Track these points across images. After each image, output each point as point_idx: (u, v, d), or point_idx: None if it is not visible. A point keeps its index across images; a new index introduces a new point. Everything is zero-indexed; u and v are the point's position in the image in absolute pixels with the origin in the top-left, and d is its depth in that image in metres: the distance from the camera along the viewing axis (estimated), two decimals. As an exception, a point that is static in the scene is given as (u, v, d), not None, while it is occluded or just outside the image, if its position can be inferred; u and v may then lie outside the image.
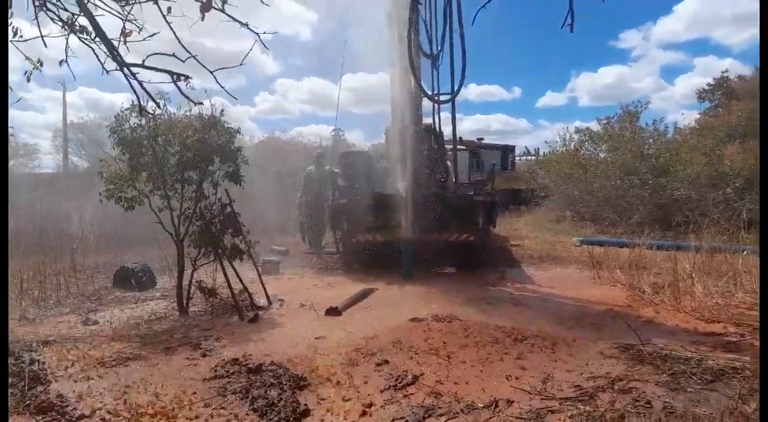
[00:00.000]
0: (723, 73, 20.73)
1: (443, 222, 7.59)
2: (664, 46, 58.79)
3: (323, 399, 3.37)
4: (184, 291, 5.94)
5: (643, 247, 8.29)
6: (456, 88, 7.92)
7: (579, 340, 4.58)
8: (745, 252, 6.55)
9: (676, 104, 55.18)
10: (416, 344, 4.50)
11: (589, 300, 6.30)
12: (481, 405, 3.17)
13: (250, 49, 2.81)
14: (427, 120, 8.62)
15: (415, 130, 7.63)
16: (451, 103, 8.19)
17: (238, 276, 6.18)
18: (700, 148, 13.46)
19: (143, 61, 2.60)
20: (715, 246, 7.32)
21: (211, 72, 2.78)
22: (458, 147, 9.25)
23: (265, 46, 2.70)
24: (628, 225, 13.31)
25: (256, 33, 2.64)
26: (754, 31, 49.02)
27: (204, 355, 4.40)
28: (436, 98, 8.28)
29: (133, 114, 5.90)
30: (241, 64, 3.00)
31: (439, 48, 8.30)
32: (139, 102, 3.16)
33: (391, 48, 7.93)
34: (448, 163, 8.77)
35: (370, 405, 3.26)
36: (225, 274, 5.98)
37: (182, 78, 2.64)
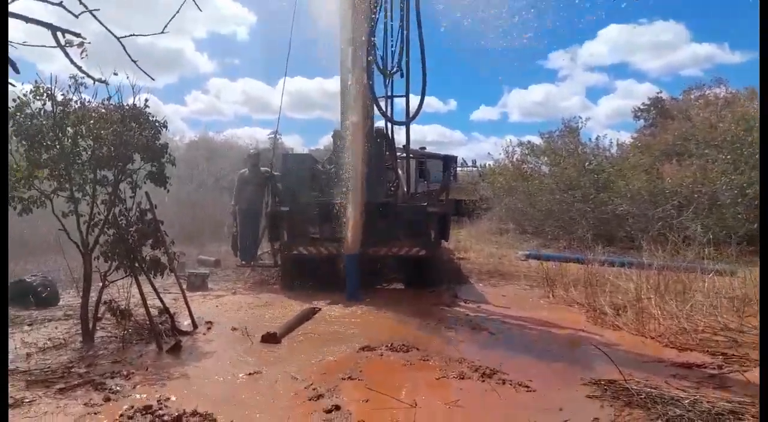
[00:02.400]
0: (658, 93, 21.65)
1: (394, 234, 6.98)
2: (589, 68, 62.21)
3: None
4: (91, 312, 4.97)
5: (596, 264, 8.04)
6: (414, 112, 7.51)
7: (553, 374, 4.08)
8: (710, 272, 6.37)
9: (600, 124, 58.53)
10: (371, 381, 3.83)
11: (549, 323, 5.87)
12: (461, 473, 2.55)
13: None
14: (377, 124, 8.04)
15: (367, 135, 6.96)
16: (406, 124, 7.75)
17: (157, 294, 5.28)
18: (641, 164, 13.67)
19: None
20: (667, 264, 7.14)
21: (118, 39, 2.02)
22: (401, 155, 8.76)
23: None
24: (570, 239, 13.29)
25: None
26: (667, 59, 52.37)
27: (107, 399, 3.52)
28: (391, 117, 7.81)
29: (36, 98, 4.91)
30: (163, 32, 2.28)
31: (395, 67, 7.82)
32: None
33: (343, 53, 7.25)
34: (399, 172, 8.19)
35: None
36: (141, 292, 5.06)
37: (66, 36, 1.85)
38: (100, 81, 2.51)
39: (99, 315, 5.05)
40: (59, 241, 5.53)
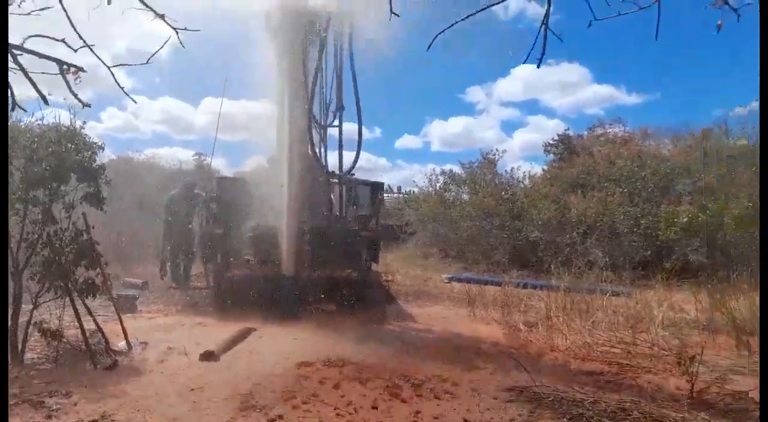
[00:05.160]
0: (566, 130, 23.57)
1: (327, 257, 7.29)
2: (503, 103, 66.26)
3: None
4: (20, 333, 4.87)
5: (512, 286, 8.77)
6: (350, 167, 8.08)
7: (476, 382, 4.55)
8: (608, 293, 7.23)
9: (514, 156, 61.93)
10: (311, 394, 4.10)
11: (472, 338, 6.40)
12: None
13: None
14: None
15: (303, 162, 7.30)
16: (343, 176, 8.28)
17: (91, 315, 5.25)
18: (551, 195, 14.90)
19: (23, 41, 2.03)
20: (573, 287, 7.97)
21: (109, 67, 2.29)
22: (335, 181, 9.17)
23: (181, 44, 2.28)
24: (489, 263, 14.20)
25: (174, 29, 2.22)
26: (573, 97, 56.51)
27: (49, 417, 3.56)
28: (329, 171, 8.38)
29: None
30: (148, 62, 2.56)
31: (330, 119, 8.46)
32: (12, 94, 2.44)
33: (279, 85, 7.58)
34: (332, 196, 8.56)
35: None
36: (76, 313, 5.03)
37: (72, 70, 2.10)
38: (86, 105, 2.69)
39: (27, 336, 4.95)
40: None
